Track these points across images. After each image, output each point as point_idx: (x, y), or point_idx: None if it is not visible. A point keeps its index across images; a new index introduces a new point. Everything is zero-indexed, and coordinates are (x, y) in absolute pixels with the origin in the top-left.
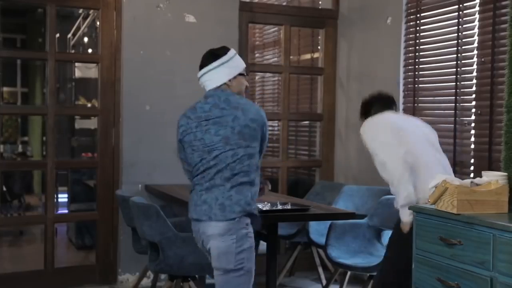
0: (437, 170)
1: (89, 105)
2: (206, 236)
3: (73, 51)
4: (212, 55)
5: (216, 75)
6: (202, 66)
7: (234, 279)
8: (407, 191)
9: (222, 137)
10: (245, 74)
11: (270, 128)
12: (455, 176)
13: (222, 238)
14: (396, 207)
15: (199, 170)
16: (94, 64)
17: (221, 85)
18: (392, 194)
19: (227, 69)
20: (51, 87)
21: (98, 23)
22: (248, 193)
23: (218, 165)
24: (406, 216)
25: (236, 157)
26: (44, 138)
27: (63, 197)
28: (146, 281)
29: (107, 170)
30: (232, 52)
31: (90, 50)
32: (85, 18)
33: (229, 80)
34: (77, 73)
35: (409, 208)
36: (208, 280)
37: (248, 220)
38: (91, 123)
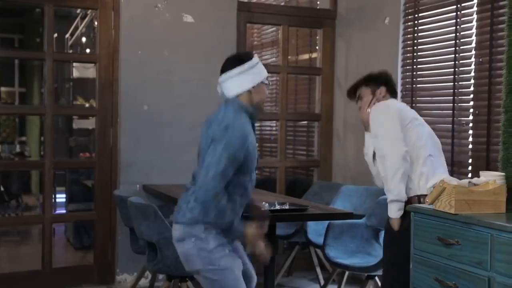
0: (437, 165)
1: (87, 105)
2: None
3: (71, 51)
4: (238, 59)
5: (239, 82)
6: (224, 70)
7: (216, 277)
8: (398, 189)
9: (200, 146)
10: (268, 83)
11: (268, 128)
12: (453, 176)
13: (181, 244)
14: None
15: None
16: (92, 64)
17: (242, 93)
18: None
19: (251, 76)
20: (49, 87)
21: (96, 23)
22: (209, 206)
23: (196, 173)
24: (393, 212)
25: (200, 168)
26: (42, 138)
27: (61, 197)
28: (144, 281)
29: (105, 170)
30: (256, 58)
31: (88, 50)
32: (83, 18)
33: (253, 87)
34: (75, 73)
35: (407, 209)
36: None
37: (206, 229)
38: (89, 123)
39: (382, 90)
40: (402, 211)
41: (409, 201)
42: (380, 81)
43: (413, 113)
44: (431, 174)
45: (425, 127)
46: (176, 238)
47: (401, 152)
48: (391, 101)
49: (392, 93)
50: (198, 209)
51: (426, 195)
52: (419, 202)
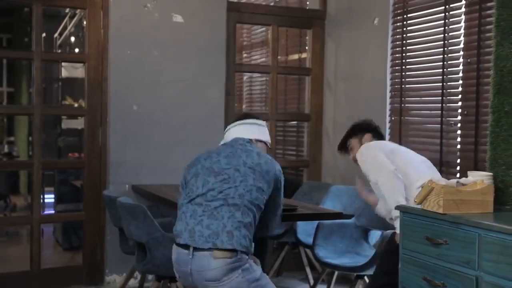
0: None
1: (76, 105)
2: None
3: (59, 51)
4: (250, 115)
5: (250, 129)
6: (248, 117)
7: None
8: (399, 204)
9: (232, 165)
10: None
11: None
12: (441, 176)
13: (226, 279)
14: (387, 218)
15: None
16: (81, 64)
17: (261, 142)
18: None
19: (262, 131)
20: (37, 87)
21: (85, 22)
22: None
23: (222, 189)
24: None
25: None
26: (31, 138)
27: (49, 198)
28: (133, 282)
29: (94, 170)
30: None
31: (77, 50)
32: (71, 18)
33: (259, 141)
34: (64, 73)
35: (395, 208)
36: None
37: (249, 258)
38: (78, 123)
39: (367, 136)
40: None
41: None
42: (364, 128)
43: (394, 144)
44: None
45: (415, 154)
46: (217, 276)
47: (389, 169)
48: (372, 142)
49: (379, 137)
50: (249, 238)
51: None
52: None
